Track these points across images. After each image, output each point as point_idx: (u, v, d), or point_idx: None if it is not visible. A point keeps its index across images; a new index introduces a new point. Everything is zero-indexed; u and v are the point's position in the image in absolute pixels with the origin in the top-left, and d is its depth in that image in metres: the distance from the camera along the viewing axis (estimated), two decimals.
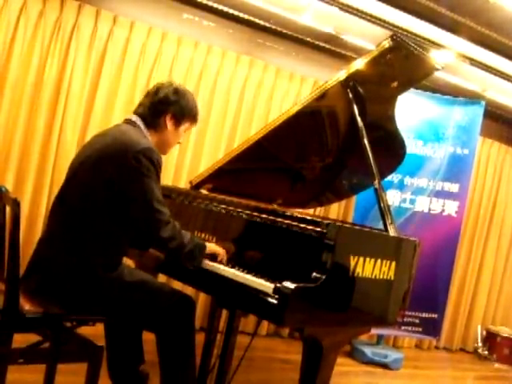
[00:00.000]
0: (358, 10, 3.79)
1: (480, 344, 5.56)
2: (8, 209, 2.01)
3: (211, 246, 2.34)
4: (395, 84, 2.75)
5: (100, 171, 2.12)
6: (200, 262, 2.28)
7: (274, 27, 4.41)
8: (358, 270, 2.17)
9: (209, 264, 2.31)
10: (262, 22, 4.35)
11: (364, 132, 2.62)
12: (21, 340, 2.05)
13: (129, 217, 2.14)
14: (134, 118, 2.32)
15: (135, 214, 2.14)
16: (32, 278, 2.12)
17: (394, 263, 2.31)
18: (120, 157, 2.10)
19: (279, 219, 2.33)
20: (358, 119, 2.64)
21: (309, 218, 2.31)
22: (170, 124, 2.32)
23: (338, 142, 3.08)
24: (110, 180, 2.10)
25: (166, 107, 2.31)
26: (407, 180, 4.58)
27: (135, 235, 2.32)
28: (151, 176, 2.11)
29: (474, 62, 4.36)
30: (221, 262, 2.33)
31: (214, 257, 2.34)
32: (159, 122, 2.32)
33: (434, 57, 2.97)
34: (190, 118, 2.40)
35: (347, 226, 2.44)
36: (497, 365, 5.39)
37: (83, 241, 2.11)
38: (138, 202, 2.11)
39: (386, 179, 3.49)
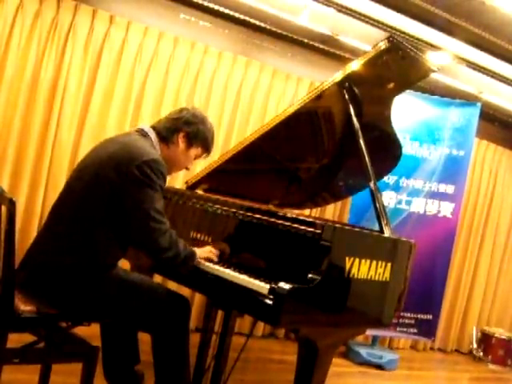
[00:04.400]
0: (354, 11, 3.80)
1: (475, 345, 5.57)
2: (3, 208, 2.01)
3: (201, 254, 2.33)
4: (391, 85, 2.76)
5: (103, 176, 2.12)
6: (191, 269, 2.28)
7: (270, 28, 4.41)
8: (354, 271, 2.17)
9: (204, 265, 2.31)
10: (258, 23, 4.35)
11: (360, 133, 2.62)
12: (16, 340, 2.04)
13: (126, 225, 2.13)
14: (147, 128, 2.34)
15: (132, 223, 2.12)
16: (26, 278, 2.11)
17: (389, 264, 2.31)
18: (124, 165, 2.10)
19: (275, 220, 2.33)
20: (354, 120, 2.65)
21: (304, 218, 2.31)
22: (181, 142, 2.35)
23: (334, 142, 3.09)
24: (112, 186, 2.09)
25: (182, 126, 2.35)
26: (403, 181, 4.59)
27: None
28: (153, 186, 2.11)
29: (469, 64, 4.37)
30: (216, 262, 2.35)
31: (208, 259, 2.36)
32: (172, 138, 2.35)
33: (430, 59, 2.98)
34: (203, 144, 2.42)
35: (343, 227, 2.44)
36: (491, 366, 5.40)
37: (78, 242, 2.10)
38: (136, 211, 2.09)
39: (381, 180, 3.50)
